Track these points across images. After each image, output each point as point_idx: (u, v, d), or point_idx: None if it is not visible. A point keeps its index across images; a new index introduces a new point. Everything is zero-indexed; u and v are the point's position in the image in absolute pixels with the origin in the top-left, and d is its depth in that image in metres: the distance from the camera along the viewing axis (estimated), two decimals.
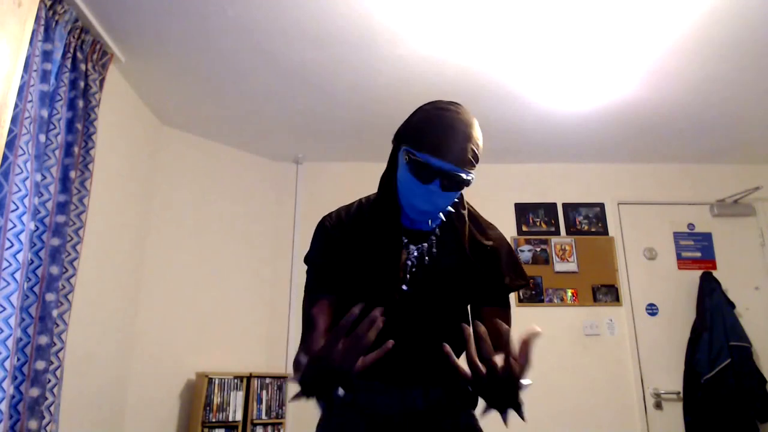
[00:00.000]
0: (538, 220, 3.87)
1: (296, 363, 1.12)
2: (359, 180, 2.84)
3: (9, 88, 1.56)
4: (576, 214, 3.88)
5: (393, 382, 1.22)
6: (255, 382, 3.16)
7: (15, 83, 1.59)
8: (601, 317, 3.64)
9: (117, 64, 2.74)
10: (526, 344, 0.88)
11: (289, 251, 3.78)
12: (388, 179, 1.24)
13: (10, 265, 1.85)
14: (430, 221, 1.23)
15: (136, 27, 2.51)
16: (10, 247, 1.86)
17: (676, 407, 3.41)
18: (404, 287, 1.21)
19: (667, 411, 3.44)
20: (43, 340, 2.07)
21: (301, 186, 3.93)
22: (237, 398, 3.09)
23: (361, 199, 1.34)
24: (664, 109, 3.18)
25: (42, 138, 2.07)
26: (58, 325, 2.19)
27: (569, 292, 3.69)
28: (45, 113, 2.09)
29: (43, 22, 2.06)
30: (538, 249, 3.79)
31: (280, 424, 3.14)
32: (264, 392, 3.17)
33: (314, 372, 0.92)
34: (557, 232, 3.84)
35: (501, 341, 0.88)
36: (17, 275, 1.86)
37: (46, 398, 2.09)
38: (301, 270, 1.32)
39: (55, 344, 2.16)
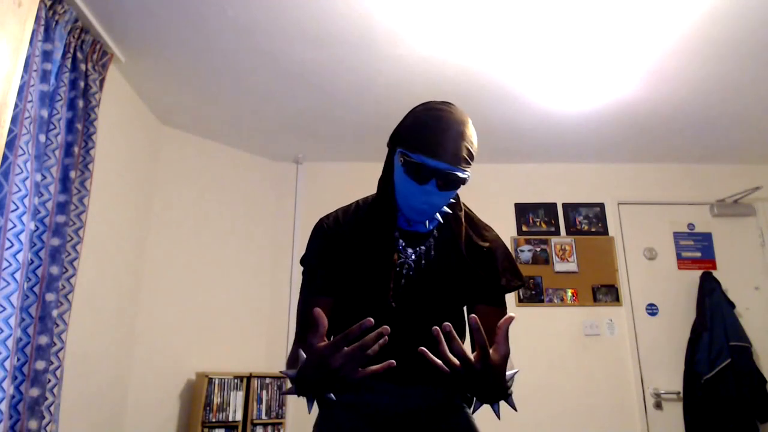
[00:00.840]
0: (538, 220, 3.87)
1: (292, 358, 1.12)
2: (359, 180, 2.84)
3: (9, 88, 1.56)
4: (576, 214, 3.88)
5: (392, 381, 1.22)
6: (255, 382, 3.16)
7: (15, 83, 1.59)
8: (601, 317, 3.64)
9: (117, 64, 2.74)
10: (501, 331, 0.89)
11: (289, 251, 3.78)
12: (384, 182, 1.24)
13: (10, 265, 1.85)
14: (427, 222, 1.23)
15: (136, 27, 2.51)
16: (10, 247, 1.86)
17: (676, 407, 3.42)
18: (401, 289, 1.21)
19: (667, 411, 3.44)
20: (43, 340, 2.07)
21: (301, 186, 3.93)
22: (237, 398, 3.09)
23: (358, 201, 1.34)
24: (664, 109, 3.18)
25: (42, 138, 2.07)
26: (58, 325, 2.19)
27: (569, 292, 3.69)
28: (45, 113, 2.09)
29: (43, 22, 2.06)
30: (538, 249, 3.79)
31: (280, 424, 3.14)
32: (264, 392, 3.17)
33: (313, 372, 0.92)
34: (557, 232, 3.84)
35: (479, 336, 0.88)
36: (17, 275, 1.86)
37: (46, 398, 2.09)
38: (301, 271, 1.33)
39: (55, 344, 2.16)
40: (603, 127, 3.42)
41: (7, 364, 1.80)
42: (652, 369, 3.52)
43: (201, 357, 3.32)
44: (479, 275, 1.25)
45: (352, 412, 1.21)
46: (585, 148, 3.75)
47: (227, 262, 3.59)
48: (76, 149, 2.32)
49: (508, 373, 0.96)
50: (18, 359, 2.00)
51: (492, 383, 0.91)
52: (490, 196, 3.90)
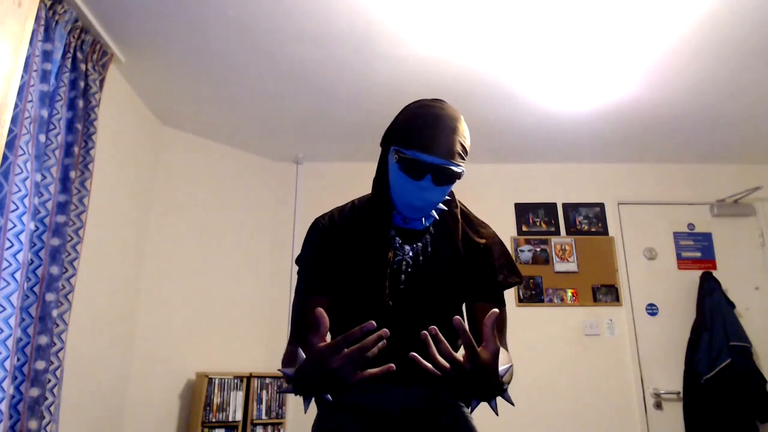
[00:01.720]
0: (538, 220, 3.87)
1: (288, 357, 1.12)
2: (359, 180, 2.83)
3: (9, 88, 1.56)
4: (576, 214, 3.88)
5: (390, 382, 1.22)
6: (255, 382, 3.16)
7: (15, 83, 1.59)
8: (601, 317, 3.64)
9: (117, 64, 2.74)
10: (486, 328, 0.89)
11: (289, 251, 3.78)
12: (379, 182, 1.24)
13: (10, 265, 1.85)
14: (423, 220, 1.24)
15: (136, 27, 2.51)
16: (10, 247, 1.86)
17: (676, 407, 3.42)
18: (400, 287, 1.21)
19: (667, 411, 3.44)
20: (43, 340, 2.07)
21: (301, 186, 3.93)
22: (237, 398, 3.09)
23: (354, 201, 1.34)
24: (664, 109, 3.18)
25: (42, 138, 2.07)
26: (58, 325, 2.19)
27: (569, 292, 3.69)
28: (45, 113, 2.09)
29: (43, 22, 2.06)
30: (538, 249, 3.79)
31: (280, 424, 3.14)
32: (264, 392, 3.17)
33: (311, 371, 0.92)
34: (557, 232, 3.84)
35: (465, 336, 0.88)
36: (17, 275, 1.86)
37: (46, 398, 2.09)
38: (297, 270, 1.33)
39: (55, 344, 2.16)
40: (603, 127, 3.42)
41: (7, 364, 1.80)
42: (652, 369, 3.52)
43: (201, 357, 3.32)
44: (476, 272, 1.25)
45: (351, 413, 1.21)
46: (585, 148, 3.75)
47: (227, 261, 3.59)
48: (76, 149, 2.32)
49: (501, 368, 0.96)
50: (18, 359, 2.00)
51: (485, 381, 0.91)
52: (490, 196, 3.90)
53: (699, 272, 3.63)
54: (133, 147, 3.11)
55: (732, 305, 3.48)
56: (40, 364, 2.05)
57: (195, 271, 3.43)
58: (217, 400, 3.04)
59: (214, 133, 3.60)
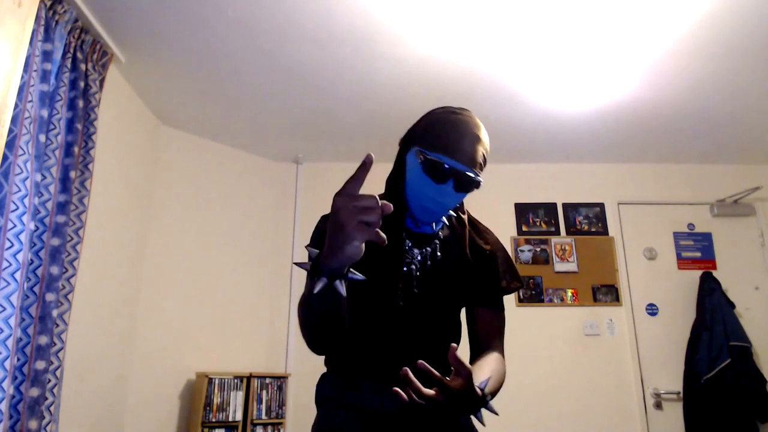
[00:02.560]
0: (538, 220, 3.87)
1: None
2: None
3: (9, 88, 1.56)
4: (576, 214, 3.88)
5: (392, 382, 1.22)
6: (255, 382, 3.16)
7: (15, 83, 1.59)
8: (601, 317, 3.64)
9: (117, 64, 2.74)
10: (453, 361, 0.92)
11: (289, 251, 3.78)
12: (395, 181, 1.25)
13: (10, 265, 1.85)
14: (434, 224, 1.25)
15: (136, 27, 2.51)
16: (10, 247, 1.86)
17: (676, 407, 3.41)
18: (414, 290, 1.22)
19: (667, 411, 3.44)
20: (43, 340, 2.07)
21: (301, 186, 3.93)
22: (237, 398, 3.09)
23: None
24: (664, 109, 3.18)
25: (42, 138, 2.07)
26: (58, 325, 2.19)
27: (569, 292, 3.69)
28: (45, 113, 2.09)
29: (43, 22, 2.06)
30: (538, 249, 3.79)
31: (280, 424, 3.14)
32: (264, 392, 3.17)
33: (331, 222, 0.85)
34: (557, 232, 3.84)
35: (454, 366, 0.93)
36: (17, 275, 1.86)
37: (46, 398, 2.09)
38: (301, 270, 1.32)
39: (55, 344, 2.16)
40: (603, 127, 3.42)
41: (7, 364, 1.80)
42: (652, 369, 3.52)
43: (201, 357, 3.32)
44: (480, 276, 1.27)
45: (351, 413, 1.21)
46: (585, 148, 3.75)
47: (227, 261, 3.59)
48: (76, 149, 2.32)
49: (479, 382, 0.99)
50: (18, 359, 2.00)
51: (462, 403, 0.94)
52: (490, 196, 3.89)
53: (699, 272, 3.63)
54: (133, 147, 3.11)
55: (732, 305, 3.48)
56: (40, 364, 2.05)
57: (195, 271, 3.43)
58: (217, 400, 3.04)
59: (214, 133, 3.60)
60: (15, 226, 1.87)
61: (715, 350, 3.31)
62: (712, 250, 3.76)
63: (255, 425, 3.08)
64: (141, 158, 3.21)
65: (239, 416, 3.07)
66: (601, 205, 3.89)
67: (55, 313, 2.13)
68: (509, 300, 3.65)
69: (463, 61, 2.72)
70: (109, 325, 2.85)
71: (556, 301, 3.68)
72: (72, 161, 2.29)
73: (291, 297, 3.67)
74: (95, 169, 2.47)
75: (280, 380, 3.24)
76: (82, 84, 2.38)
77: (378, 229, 0.81)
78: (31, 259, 2.08)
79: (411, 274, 1.22)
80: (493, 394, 1.06)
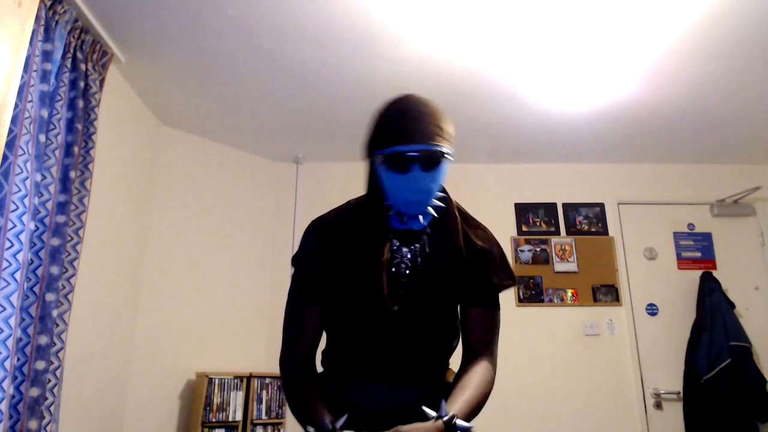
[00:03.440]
0: (538, 220, 3.87)
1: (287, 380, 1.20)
2: (359, 180, 2.83)
3: (9, 88, 1.56)
4: (576, 214, 3.88)
5: (386, 382, 1.22)
6: (255, 382, 3.16)
7: (15, 83, 1.59)
8: (601, 317, 3.64)
9: (117, 64, 2.74)
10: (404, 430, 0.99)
11: (289, 251, 3.78)
12: (373, 188, 1.24)
13: (10, 265, 1.85)
14: (422, 218, 1.22)
15: (136, 27, 2.51)
16: (10, 247, 1.86)
17: (676, 407, 3.42)
18: (399, 291, 1.21)
19: (667, 411, 3.44)
20: (43, 340, 2.07)
21: (301, 186, 3.93)
22: (237, 398, 3.09)
23: (350, 201, 1.33)
24: (664, 109, 3.18)
25: (42, 138, 2.07)
26: (58, 325, 2.19)
27: (569, 292, 3.69)
28: (45, 113, 2.09)
29: (43, 22, 2.06)
30: (538, 249, 3.79)
31: (280, 424, 3.14)
32: (264, 392, 3.17)
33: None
34: (557, 232, 3.84)
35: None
36: (17, 275, 1.86)
37: (46, 398, 2.09)
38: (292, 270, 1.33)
39: (55, 344, 2.15)
40: (603, 127, 3.42)
41: (7, 364, 1.80)
42: (652, 369, 3.52)
43: (201, 357, 3.32)
44: (473, 272, 1.24)
45: (348, 413, 1.21)
46: (585, 148, 3.75)
47: (227, 261, 3.59)
48: (76, 149, 2.32)
49: (448, 415, 1.04)
50: (18, 359, 2.00)
51: None
52: (490, 196, 3.90)
53: (699, 272, 3.63)
54: (133, 147, 3.11)
55: (732, 305, 3.48)
56: (40, 364, 2.05)
57: (195, 271, 3.43)
58: (217, 400, 3.04)
59: (214, 133, 3.60)
60: (15, 226, 1.87)
61: (715, 350, 3.31)
62: (712, 250, 3.76)
63: (255, 425, 3.08)
64: (141, 158, 3.21)
65: (239, 416, 3.07)
66: (601, 205, 3.90)
67: (55, 313, 2.13)
68: (509, 300, 3.66)
69: (463, 61, 2.72)
70: (109, 325, 2.85)
71: (556, 301, 3.68)
72: (72, 161, 2.29)
73: None
74: (95, 169, 2.47)
75: (280, 380, 3.23)
76: (82, 84, 2.38)
77: None
78: (31, 259, 2.08)
79: (400, 274, 1.21)
80: (471, 415, 1.08)
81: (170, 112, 3.35)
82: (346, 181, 3.84)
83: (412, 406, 1.22)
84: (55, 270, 2.14)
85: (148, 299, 3.19)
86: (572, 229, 3.84)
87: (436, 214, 1.25)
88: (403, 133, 1.12)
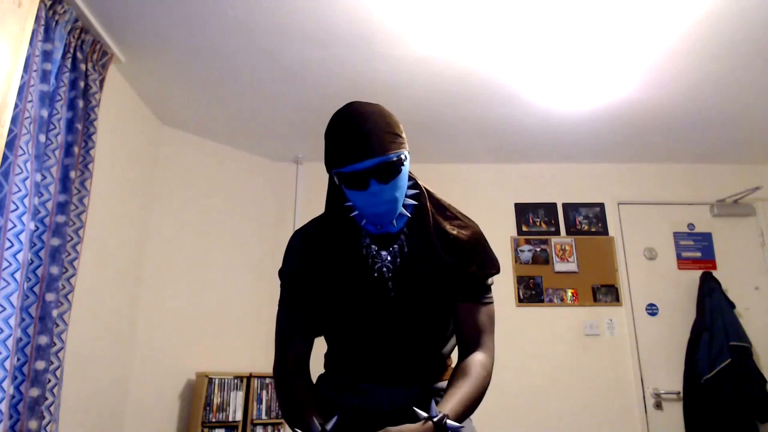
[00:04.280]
0: (538, 220, 3.87)
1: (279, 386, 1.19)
2: None
3: (9, 88, 1.56)
4: (576, 214, 3.88)
5: (381, 383, 1.23)
6: (255, 382, 3.16)
7: (15, 83, 1.59)
8: (601, 317, 3.64)
9: (117, 64, 2.74)
10: None
11: None
12: (340, 200, 1.24)
13: (10, 265, 1.85)
14: (395, 222, 1.21)
15: (136, 27, 2.51)
16: (10, 247, 1.86)
17: (676, 407, 3.42)
18: (390, 294, 1.21)
19: (667, 411, 3.44)
20: (43, 340, 2.07)
21: (301, 186, 3.93)
22: (237, 398, 3.10)
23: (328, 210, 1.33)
24: (664, 109, 3.18)
25: (42, 138, 2.07)
26: (58, 325, 2.19)
27: (569, 292, 3.69)
28: (45, 113, 2.09)
29: (43, 22, 2.06)
30: (538, 249, 3.79)
31: (280, 424, 3.14)
32: (264, 392, 3.17)
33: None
34: (557, 232, 3.84)
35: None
36: (17, 275, 1.86)
37: (46, 398, 2.09)
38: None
39: (55, 344, 2.15)
40: (603, 127, 3.42)
41: (7, 364, 1.80)
42: (652, 369, 3.52)
43: (201, 357, 3.32)
44: (452, 265, 1.20)
45: (347, 413, 1.22)
46: (585, 148, 3.75)
47: (227, 261, 3.59)
48: (76, 149, 2.32)
49: (437, 418, 1.01)
50: (18, 359, 2.00)
51: None
52: (490, 196, 3.90)
53: (699, 272, 3.63)
54: (133, 147, 3.11)
55: (732, 305, 3.48)
56: (40, 364, 2.05)
57: (195, 271, 3.43)
58: (217, 400, 3.04)
59: (214, 133, 3.60)
60: (15, 226, 1.87)
61: (715, 350, 3.31)
62: (712, 250, 3.76)
63: (255, 425, 3.08)
64: (141, 158, 3.21)
65: (239, 416, 3.07)
66: (601, 205, 3.90)
67: (55, 313, 2.13)
68: (509, 300, 3.66)
69: (463, 61, 2.72)
70: (109, 325, 2.85)
71: (556, 301, 3.68)
72: (72, 161, 2.29)
73: None
74: (95, 169, 2.47)
75: (274, 387, 3.23)
76: (82, 84, 2.38)
77: None
78: (31, 259, 2.08)
79: (384, 277, 1.21)
80: (464, 415, 1.06)
81: (170, 112, 3.35)
82: None
83: (406, 405, 1.22)
84: (55, 270, 2.14)
85: (148, 299, 3.19)
86: (572, 229, 3.84)
87: (409, 215, 1.22)
88: (350, 152, 1.10)
